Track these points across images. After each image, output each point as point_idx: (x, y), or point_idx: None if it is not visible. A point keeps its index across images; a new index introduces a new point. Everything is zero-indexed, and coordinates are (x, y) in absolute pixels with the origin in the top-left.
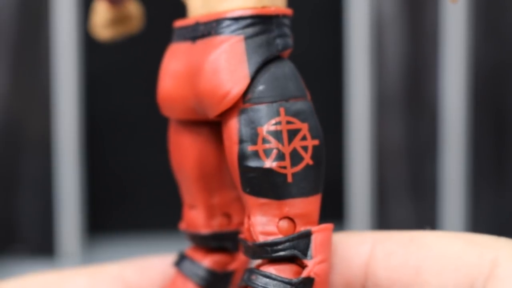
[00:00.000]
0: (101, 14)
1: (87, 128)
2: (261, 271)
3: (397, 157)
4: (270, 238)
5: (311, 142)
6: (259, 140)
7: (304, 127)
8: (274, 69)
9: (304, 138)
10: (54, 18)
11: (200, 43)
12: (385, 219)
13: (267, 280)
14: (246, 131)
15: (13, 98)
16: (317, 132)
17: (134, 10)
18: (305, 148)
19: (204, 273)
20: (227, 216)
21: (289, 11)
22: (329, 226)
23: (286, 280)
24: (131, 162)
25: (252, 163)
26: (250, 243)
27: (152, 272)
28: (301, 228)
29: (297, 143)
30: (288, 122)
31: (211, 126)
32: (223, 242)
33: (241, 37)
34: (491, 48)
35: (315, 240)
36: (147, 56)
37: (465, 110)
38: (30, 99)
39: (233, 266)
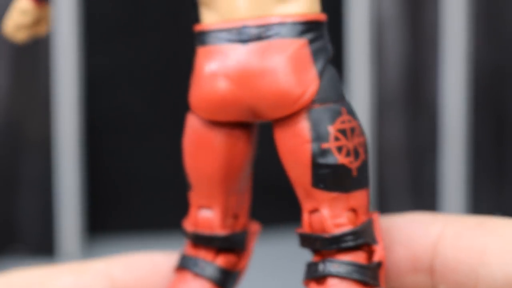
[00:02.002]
0: (25, 14)
1: (87, 128)
2: (343, 260)
3: (397, 157)
4: (344, 229)
5: (362, 139)
6: (331, 138)
7: (357, 125)
8: (329, 72)
9: (358, 135)
10: (54, 18)
11: (255, 45)
12: None
13: (351, 267)
14: (317, 130)
15: (14, 98)
16: (363, 129)
17: (49, 12)
18: (360, 144)
19: (220, 272)
20: (235, 217)
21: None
22: (377, 213)
23: (365, 266)
24: (131, 163)
25: (327, 160)
26: (326, 236)
27: (138, 269)
28: (363, 217)
29: (355, 139)
30: (349, 121)
31: (244, 128)
32: (236, 242)
33: (306, 40)
34: (491, 48)
35: (375, 227)
36: (147, 57)
37: (465, 110)
38: (30, 99)
39: (240, 265)
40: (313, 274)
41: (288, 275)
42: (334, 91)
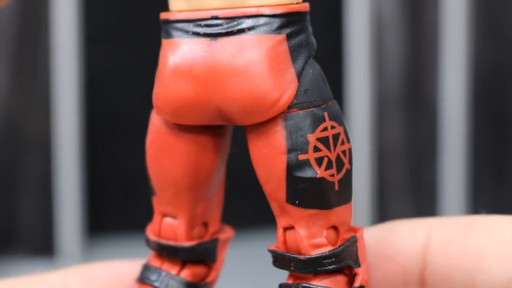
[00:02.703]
0: None
1: (87, 128)
2: (318, 286)
3: (397, 157)
4: (322, 250)
5: (347, 146)
6: (310, 149)
7: (341, 131)
8: (312, 70)
9: (343, 142)
10: (54, 18)
11: (225, 41)
12: (385, 219)
13: None
14: (295, 140)
15: (13, 98)
16: (348, 134)
17: None
18: (344, 153)
19: (185, 287)
20: (205, 225)
21: (308, 6)
22: (362, 229)
23: None
24: (131, 162)
25: (304, 173)
26: (301, 258)
27: (98, 279)
28: (345, 235)
29: (339, 148)
30: (332, 127)
31: (212, 131)
32: (205, 253)
33: (283, 36)
34: (491, 48)
35: (359, 246)
36: (146, 56)
37: (465, 110)
38: (30, 99)
39: (210, 277)
40: None
41: (269, 277)
42: (316, 93)
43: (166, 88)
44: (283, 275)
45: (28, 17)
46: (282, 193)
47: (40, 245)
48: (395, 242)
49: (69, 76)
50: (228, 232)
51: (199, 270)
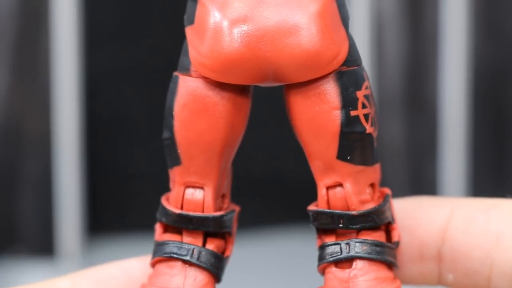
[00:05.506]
0: None
1: (87, 128)
2: (370, 240)
3: (397, 156)
4: (368, 206)
5: (376, 106)
6: (359, 105)
7: (372, 91)
8: (349, 32)
9: (375, 102)
10: (54, 18)
11: None
12: None
13: (379, 248)
14: (347, 96)
15: (13, 98)
16: None
17: None
18: (376, 112)
19: (215, 258)
20: (223, 197)
21: None
22: (387, 188)
23: (389, 245)
24: (131, 162)
25: (356, 129)
26: (354, 213)
27: (109, 281)
28: (378, 193)
29: (373, 107)
30: (370, 86)
31: (246, 93)
32: (228, 225)
33: None
34: (491, 48)
35: (392, 203)
36: (148, 56)
37: (465, 110)
38: (30, 99)
39: (229, 251)
40: (334, 256)
41: (272, 277)
42: (356, 53)
43: (216, 45)
44: (286, 274)
45: (28, 17)
46: (333, 150)
47: (40, 245)
48: (416, 215)
49: (70, 76)
50: (237, 206)
51: (220, 243)
